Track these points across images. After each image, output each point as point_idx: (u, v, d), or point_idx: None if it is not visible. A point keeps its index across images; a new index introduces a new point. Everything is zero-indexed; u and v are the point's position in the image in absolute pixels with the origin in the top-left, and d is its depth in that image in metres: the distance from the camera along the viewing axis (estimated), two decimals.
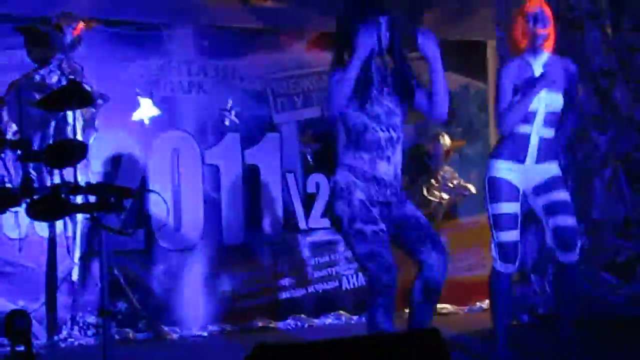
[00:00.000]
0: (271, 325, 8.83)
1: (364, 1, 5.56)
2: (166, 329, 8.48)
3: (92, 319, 8.08)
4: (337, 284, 9.24)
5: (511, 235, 6.33)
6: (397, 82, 5.62)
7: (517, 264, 6.42)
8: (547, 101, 6.30)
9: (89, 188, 6.16)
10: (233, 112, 8.94)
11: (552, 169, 6.45)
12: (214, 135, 8.90)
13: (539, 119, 6.31)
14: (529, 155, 6.33)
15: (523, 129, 6.31)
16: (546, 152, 6.38)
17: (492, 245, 6.40)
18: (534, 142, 6.33)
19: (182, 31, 8.87)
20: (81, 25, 8.16)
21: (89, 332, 8.11)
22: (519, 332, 7.71)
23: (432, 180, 9.45)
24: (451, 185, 9.41)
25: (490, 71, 9.67)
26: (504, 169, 6.34)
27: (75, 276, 8.10)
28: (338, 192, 5.50)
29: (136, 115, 8.54)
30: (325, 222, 9.05)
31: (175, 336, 8.46)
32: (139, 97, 8.56)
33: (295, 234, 9.18)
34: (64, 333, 8.01)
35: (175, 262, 8.65)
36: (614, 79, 8.48)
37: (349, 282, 9.28)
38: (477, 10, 9.09)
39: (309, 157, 9.27)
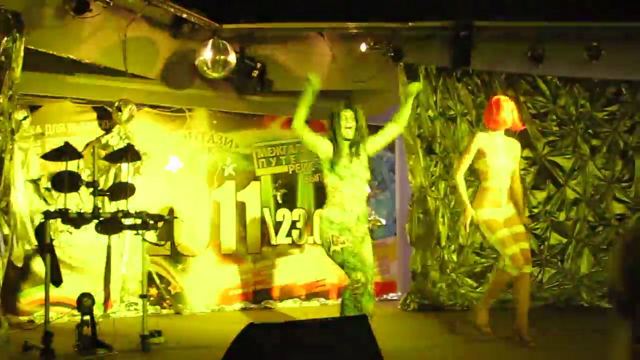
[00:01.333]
0: (250, 306, 8.74)
1: (340, 102, 5.89)
2: (181, 306, 8.39)
3: (134, 300, 7.98)
4: (294, 279, 9.13)
5: (516, 248, 6.01)
6: (361, 156, 5.69)
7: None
8: (507, 165, 6.17)
9: (136, 214, 6.09)
10: (231, 167, 8.88)
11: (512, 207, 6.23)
12: (218, 182, 8.81)
13: (508, 176, 6.16)
14: (503, 200, 6.13)
15: (499, 183, 6.13)
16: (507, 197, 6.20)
17: (505, 259, 6.00)
18: (505, 192, 6.15)
19: (199, 113, 8.82)
20: (134, 107, 8.10)
21: (131, 309, 8.02)
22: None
23: None
24: (370, 219, 9.37)
25: (397, 145, 9.62)
26: (491, 212, 6.08)
27: (124, 271, 8.02)
28: (320, 232, 5.71)
29: (167, 167, 8.50)
30: (287, 240, 9.14)
31: (187, 312, 8.37)
32: (169, 155, 8.52)
33: (268, 247, 9.07)
34: (115, 308, 7.92)
35: (189, 263, 8.56)
36: None
37: (301, 279, 9.15)
38: (390, 107, 9.14)
39: (278, 198, 9.17)
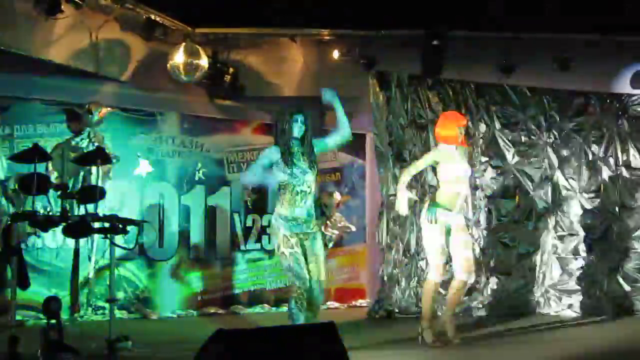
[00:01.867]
0: (218, 312, 8.72)
1: (291, 106, 5.72)
2: (149, 311, 8.36)
3: (100, 304, 7.95)
4: (263, 285, 9.16)
5: (442, 258, 6.31)
6: (308, 154, 5.72)
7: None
8: (467, 172, 6.43)
9: (105, 218, 6.04)
10: (201, 171, 8.87)
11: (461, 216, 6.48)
12: (187, 186, 8.81)
13: (467, 183, 6.44)
14: (457, 206, 6.33)
15: (458, 188, 6.33)
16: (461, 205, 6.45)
17: (431, 264, 6.30)
18: (461, 198, 6.37)
19: (170, 117, 8.81)
20: (104, 109, 8.02)
21: (98, 312, 7.99)
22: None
23: (328, 222, 9.46)
24: (340, 225, 9.40)
25: (368, 152, 9.70)
26: (441, 214, 6.25)
27: (91, 274, 7.94)
28: (272, 229, 5.69)
29: (137, 171, 8.47)
30: (257, 245, 9.17)
31: (154, 317, 8.34)
32: (139, 159, 8.48)
33: (237, 252, 9.09)
34: (82, 312, 7.87)
35: (158, 268, 8.53)
36: None
37: (270, 285, 9.19)
38: (361, 114, 9.20)
39: (248, 203, 9.19)
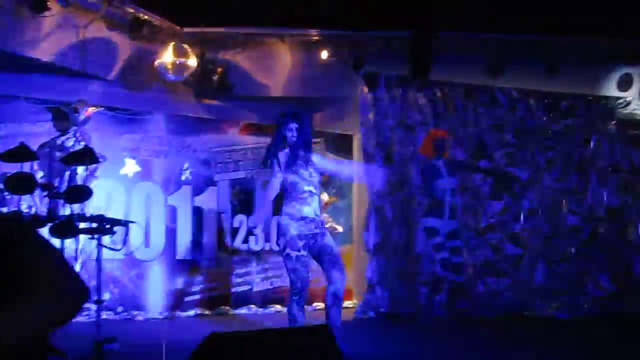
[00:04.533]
0: (205, 313, 8.64)
1: (287, 114, 5.93)
2: (136, 312, 8.26)
3: (87, 305, 7.79)
4: (250, 286, 9.07)
5: None
6: (309, 156, 5.91)
7: None
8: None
9: (92, 218, 5.95)
10: (188, 172, 8.76)
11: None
12: (174, 186, 8.71)
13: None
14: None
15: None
16: None
17: None
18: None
19: (157, 117, 8.70)
20: (90, 108, 7.94)
21: (84, 314, 7.75)
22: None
23: None
24: (327, 225, 9.39)
25: (355, 153, 9.67)
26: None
27: None
28: (280, 230, 5.75)
29: (123, 171, 8.36)
30: (245, 246, 9.05)
31: (141, 317, 8.24)
32: (125, 159, 8.38)
33: (225, 253, 8.99)
34: None
35: (144, 268, 8.43)
36: None
37: (257, 285, 9.09)
38: (349, 115, 9.18)
39: (236, 203, 9.11)
